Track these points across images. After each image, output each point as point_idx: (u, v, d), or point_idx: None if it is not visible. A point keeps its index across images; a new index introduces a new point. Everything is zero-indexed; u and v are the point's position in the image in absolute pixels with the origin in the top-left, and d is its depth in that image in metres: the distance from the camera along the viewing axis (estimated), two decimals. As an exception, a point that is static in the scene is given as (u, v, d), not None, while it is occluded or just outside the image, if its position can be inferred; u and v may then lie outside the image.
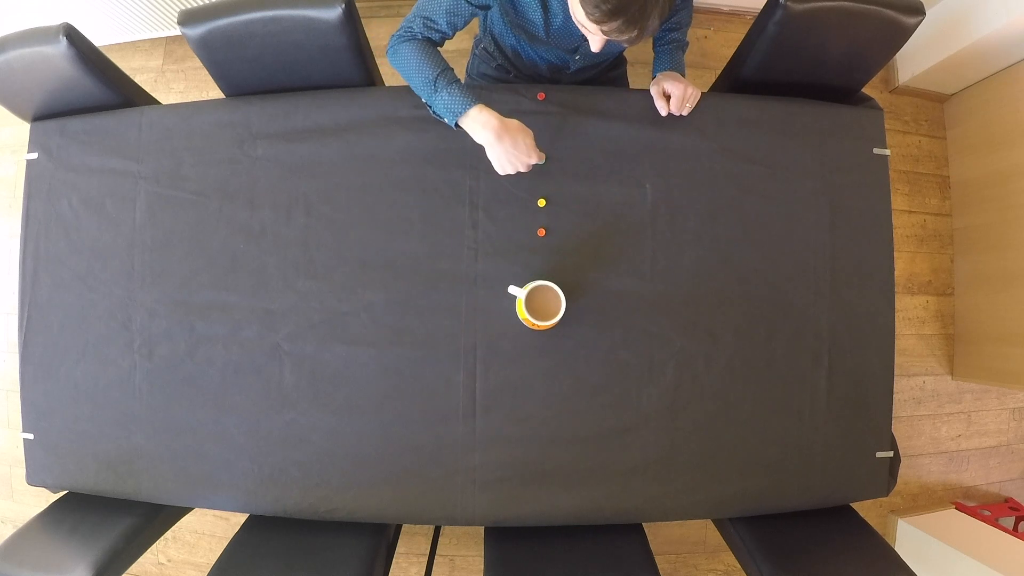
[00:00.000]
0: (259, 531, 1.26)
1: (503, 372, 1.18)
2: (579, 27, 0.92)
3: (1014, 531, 1.95)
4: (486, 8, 1.07)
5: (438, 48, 1.07)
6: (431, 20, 1.04)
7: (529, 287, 1.09)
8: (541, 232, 1.19)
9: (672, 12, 1.17)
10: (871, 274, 1.24)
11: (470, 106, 1.01)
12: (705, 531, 1.98)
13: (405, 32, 1.05)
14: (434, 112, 1.07)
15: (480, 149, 1.07)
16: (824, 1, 1.12)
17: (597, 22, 0.82)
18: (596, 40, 0.91)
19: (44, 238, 1.27)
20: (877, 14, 1.14)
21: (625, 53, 1.39)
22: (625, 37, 0.84)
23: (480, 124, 1.02)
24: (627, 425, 1.19)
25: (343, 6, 1.09)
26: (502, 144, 1.02)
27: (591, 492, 1.18)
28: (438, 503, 1.18)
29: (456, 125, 1.04)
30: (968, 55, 1.84)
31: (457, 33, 1.08)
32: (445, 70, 1.03)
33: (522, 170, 1.07)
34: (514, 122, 1.04)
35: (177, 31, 1.41)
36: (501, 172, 1.08)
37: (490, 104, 1.04)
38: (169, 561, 2.01)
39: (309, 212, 1.21)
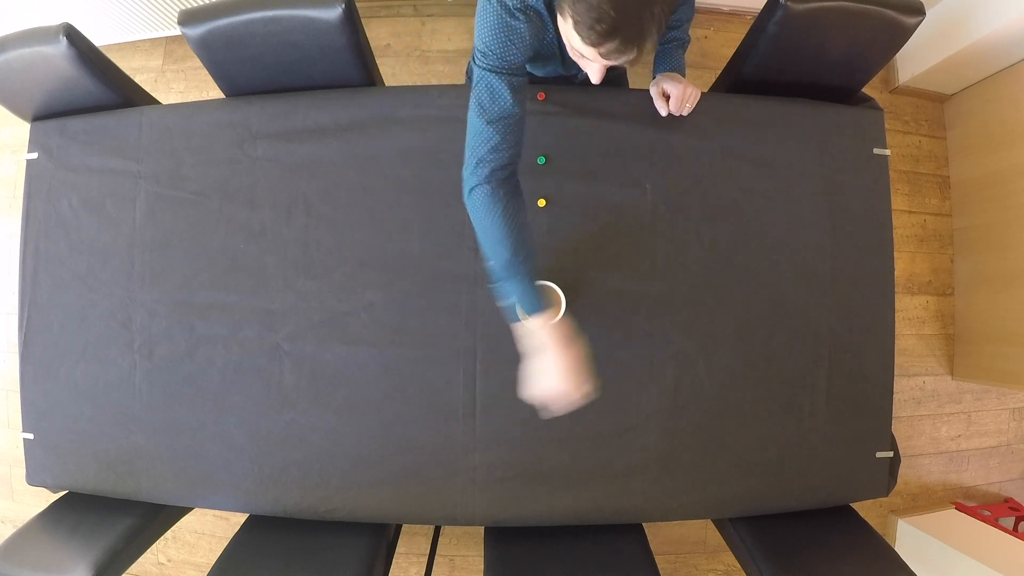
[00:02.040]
0: (259, 531, 1.26)
1: (503, 372, 1.18)
2: (576, 58, 0.88)
3: (1014, 531, 1.95)
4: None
5: (523, 197, 0.97)
6: (492, 156, 0.92)
7: (529, 287, 1.09)
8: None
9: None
10: (871, 274, 1.24)
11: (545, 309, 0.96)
12: (705, 531, 1.98)
13: (488, 179, 0.93)
14: (497, 288, 0.98)
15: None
16: (824, 1, 1.12)
17: (593, 44, 0.79)
18: (595, 68, 0.88)
19: (44, 238, 1.27)
20: (877, 14, 1.14)
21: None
22: (624, 59, 0.81)
23: (560, 334, 0.96)
24: (627, 425, 1.19)
25: (343, 6, 1.09)
26: (564, 359, 0.96)
27: (591, 492, 1.18)
28: (438, 503, 1.18)
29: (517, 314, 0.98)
30: (968, 55, 1.84)
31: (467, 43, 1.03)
32: (531, 253, 0.96)
33: (562, 400, 0.98)
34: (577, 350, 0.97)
35: (177, 31, 1.41)
36: (540, 391, 0.99)
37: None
38: (169, 561, 2.01)
39: (309, 212, 1.21)
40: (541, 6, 0.91)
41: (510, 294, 0.97)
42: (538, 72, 1.20)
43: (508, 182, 0.95)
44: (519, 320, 0.99)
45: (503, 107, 0.91)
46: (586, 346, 0.99)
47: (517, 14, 0.88)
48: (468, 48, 1.51)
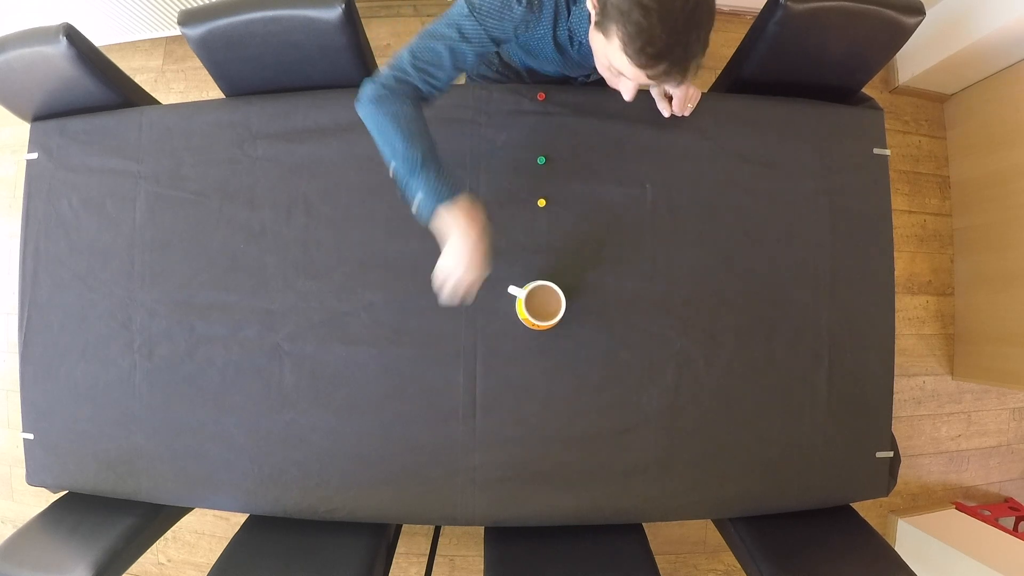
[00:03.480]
0: (259, 531, 1.26)
1: (503, 372, 1.18)
2: (608, 74, 0.87)
3: (1014, 531, 1.95)
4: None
5: (422, 105, 0.97)
6: (428, 73, 0.94)
7: (529, 287, 1.09)
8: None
9: None
10: (871, 274, 1.24)
11: (458, 192, 0.93)
12: (705, 531, 1.98)
13: (389, 81, 0.94)
14: (405, 193, 0.96)
15: (481, 149, 1.06)
16: (824, 1, 1.12)
17: (641, 67, 0.77)
18: (630, 86, 0.86)
19: (44, 238, 1.27)
20: (877, 14, 1.14)
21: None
22: (670, 81, 0.79)
23: (465, 215, 0.93)
24: (627, 425, 1.19)
25: (343, 6, 1.09)
26: (471, 245, 0.93)
27: (591, 492, 1.18)
28: (438, 503, 1.18)
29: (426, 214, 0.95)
30: (968, 55, 1.84)
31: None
32: (430, 148, 0.95)
33: (461, 283, 0.96)
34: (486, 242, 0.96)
35: (177, 31, 1.41)
36: (445, 273, 0.96)
37: (489, 102, 1.02)
38: (169, 561, 2.01)
39: (309, 212, 1.21)
40: (550, 2, 0.92)
41: (416, 191, 0.94)
42: (533, 64, 1.20)
43: (409, 98, 0.95)
44: (430, 219, 0.95)
45: (441, 61, 0.92)
46: (491, 236, 0.96)
47: None
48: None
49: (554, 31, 0.98)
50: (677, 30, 0.73)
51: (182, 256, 1.23)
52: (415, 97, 0.96)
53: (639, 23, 0.72)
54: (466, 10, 0.90)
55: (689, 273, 1.20)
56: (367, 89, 0.96)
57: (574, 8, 0.94)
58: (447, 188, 0.94)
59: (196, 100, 1.34)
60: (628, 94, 0.89)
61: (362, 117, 0.97)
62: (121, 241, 1.24)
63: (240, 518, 1.29)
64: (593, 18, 0.81)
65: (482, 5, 0.90)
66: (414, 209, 0.95)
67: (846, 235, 1.23)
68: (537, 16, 0.93)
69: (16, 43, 1.18)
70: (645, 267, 1.20)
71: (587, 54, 0.96)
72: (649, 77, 0.80)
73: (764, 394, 1.21)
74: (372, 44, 1.26)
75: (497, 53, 1.27)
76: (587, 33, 0.90)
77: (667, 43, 0.74)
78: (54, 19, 1.16)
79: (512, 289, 1.13)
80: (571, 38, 1.00)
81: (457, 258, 0.95)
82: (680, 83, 0.81)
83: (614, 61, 0.81)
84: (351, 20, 1.12)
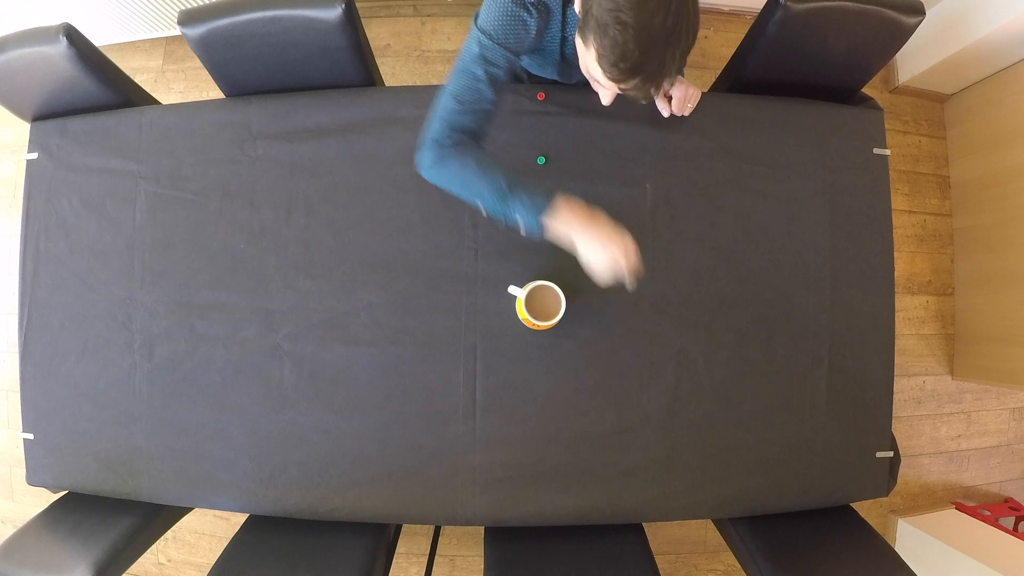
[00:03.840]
0: (259, 531, 1.26)
1: (503, 372, 1.18)
2: (591, 81, 0.89)
3: (1014, 531, 1.95)
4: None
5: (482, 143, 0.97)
6: (474, 109, 0.93)
7: (529, 287, 1.09)
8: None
9: None
10: (871, 274, 1.24)
11: (552, 198, 0.93)
12: (705, 531, 1.98)
13: (443, 138, 0.94)
14: (506, 223, 0.95)
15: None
16: (824, 1, 1.12)
17: (614, 80, 0.79)
18: (608, 95, 0.88)
19: (44, 238, 1.27)
20: (877, 14, 1.14)
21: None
22: (641, 95, 0.81)
23: (568, 213, 0.93)
24: (627, 425, 1.19)
25: (343, 6, 1.09)
26: (596, 230, 0.92)
27: (591, 492, 1.18)
28: (438, 503, 1.18)
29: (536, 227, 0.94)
30: (968, 55, 1.84)
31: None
32: (509, 172, 0.94)
33: (622, 262, 0.93)
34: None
35: (177, 31, 1.41)
36: (602, 268, 0.94)
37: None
38: (169, 561, 2.01)
39: (309, 212, 1.21)
40: (556, 4, 0.92)
41: (516, 213, 0.93)
42: (535, 70, 1.20)
43: (465, 142, 0.95)
44: (542, 232, 0.95)
45: (480, 92, 0.92)
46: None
47: (529, 7, 0.88)
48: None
49: (563, 34, 0.99)
50: (653, 48, 0.73)
51: (182, 256, 1.23)
52: (471, 142, 0.97)
53: (615, 38, 0.73)
54: (483, 40, 0.90)
55: (689, 273, 1.20)
56: (426, 155, 0.96)
57: (569, 10, 0.95)
58: (541, 199, 0.93)
59: (196, 100, 1.34)
60: (606, 100, 0.90)
61: (433, 181, 0.98)
62: (121, 241, 1.24)
63: (240, 518, 1.30)
64: (579, 22, 0.82)
65: (495, 32, 0.89)
66: (523, 232, 0.95)
67: (846, 235, 1.24)
68: (546, 20, 0.93)
69: (16, 43, 1.18)
70: (645, 267, 1.19)
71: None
72: (621, 90, 0.81)
73: (764, 394, 1.21)
74: (372, 44, 1.26)
75: None
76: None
77: (641, 60, 0.74)
78: (54, 19, 1.16)
79: (512, 289, 1.13)
80: (565, 39, 1.00)
81: (597, 246, 0.93)
82: (652, 96, 0.82)
83: (591, 69, 0.82)
84: (351, 20, 1.12)
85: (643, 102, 0.84)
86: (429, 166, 0.97)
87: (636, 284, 1.02)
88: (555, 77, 1.16)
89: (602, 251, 0.93)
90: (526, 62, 1.17)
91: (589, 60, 0.80)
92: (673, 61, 0.76)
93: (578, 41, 0.83)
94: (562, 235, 0.95)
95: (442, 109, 0.94)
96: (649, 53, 0.73)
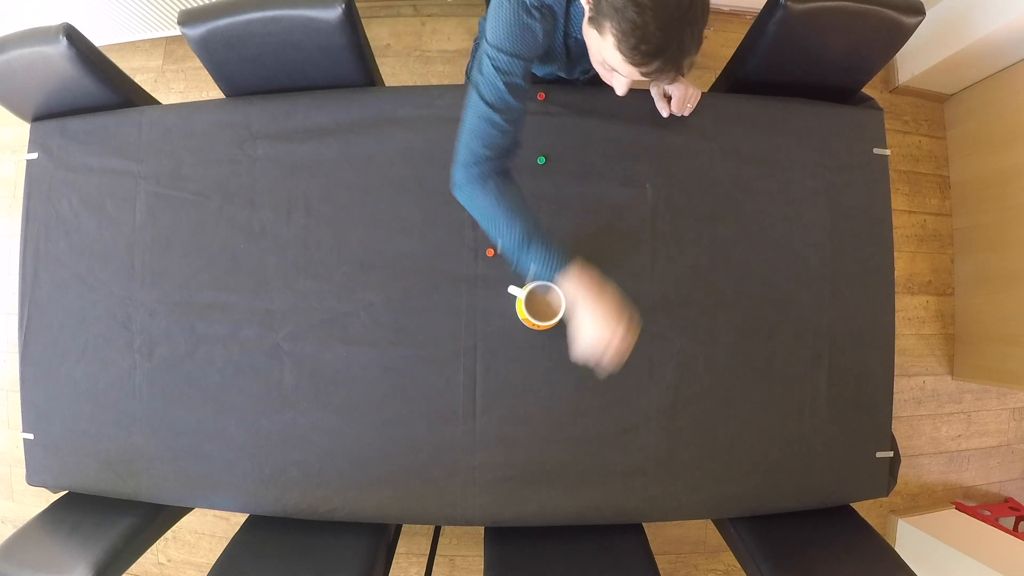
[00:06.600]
0: (259, 531, 1.26)
1: (503, 372, 1.18)
2: (602, 70, 0.88)
3: (1014, 531, 1.95)
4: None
5: (514, 178, 0.98)
6: (489, 144, 0.93)
7: (529, 287, 1.09)
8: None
9: None
10: (871, 274, 1.24)
11: (569, 261, 0.94)
12: (705, 531, 1.98)
13: (479, 155, 0.94)
14: (517, 266, 0.97)
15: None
16: (824, 1, 1.12)
17: (636, 65, 0.77)
18: (624, 83, 0.86)
19: (44, 238, 1.27)
20: (877, 14, 1.14)
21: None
22: (664, 78, 0.80)
23: (580, 282, 0.94)
24: (627, 425, 1.19)
25: (343, 6, 1.09)
26: (604, 308, 0.93)
27: (591, 492, 1.18)
28: (438, 503, 1.18)
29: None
30: (968, 55, 1.84)
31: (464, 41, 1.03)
32: (533, 220, 0.95)
33: (608, 347, 0.94)
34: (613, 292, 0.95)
35: (177, 31, 1.41)
36: (585, 344, 0.95)
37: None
38: (169, 561, 2.01)
39: (309, 212, 1.21)
40: (559, 5, 0.91)
41: (528, 264, 0.95)
42: (538, 71, 1.20)
43: (499, 173, 0.95)
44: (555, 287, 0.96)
45: (507, 103, 0.90)
46: (616, 289, 0.96)
47: (534, 12, 0.88)
48: (468, 48, 1.52)
49: (565, 30, 0.98)
50: (672, 27, 0.72)
51: (182, 256, 1.23)
52: (505, 165, 0.97)
53: (633, 20, 0.72)
54: (496, 55, 0.89)
55: (689, 273, 1.20)
56: (460, 174, 0.96)
57: (572, 6, 0.94)
58: (558, 258, 0.94)
59: (196, 100, 1.34)
60: (621, 90, 0.88)
61: (461, 202, 0.99)
62: (121, 241, 1.24)
63: (240, 518, 1.30)
64: (587, 13, 0.81)
65: (505, 44, 0.88)
66: (530, 279, 0.96)
67: (846, 235, 1.24)
68: (551, 22, 0.93)
69: (16, 43, 1.18)
70: (645, 267, 1.20)
71: (583, 51, 0.96)
72: (643, 75, 0.79)
73: (764, 394, 1.21)
74: (372, 44, 1.26)
75: None
76: (581, 29, 0.90)
77: (662, 40, 0.73)
78: (54, 19, 1.16)
79: (512, 289, 1.13)
80: (567, 34, 1.00)
81: (594, 322, 0.94)
82: (673, 80, 0.81)
83: (608, 58, 0.81)
84: (351, 20, 1.12)
85: (667, 84, 0.82)
86: (459, 187, 0.97)
87: (608, 373, 1.05)
88: (557, 72, 1.16)
89: (595, 329, 0.94)
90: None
91: (606, 49, 0.79)
92: (692, 39, 0.75)
93: (589, 33, 0.82)
94: (568, 295, 0.96)
95: (470, 130, 0.93)
96: (668, 31, 0.72)
